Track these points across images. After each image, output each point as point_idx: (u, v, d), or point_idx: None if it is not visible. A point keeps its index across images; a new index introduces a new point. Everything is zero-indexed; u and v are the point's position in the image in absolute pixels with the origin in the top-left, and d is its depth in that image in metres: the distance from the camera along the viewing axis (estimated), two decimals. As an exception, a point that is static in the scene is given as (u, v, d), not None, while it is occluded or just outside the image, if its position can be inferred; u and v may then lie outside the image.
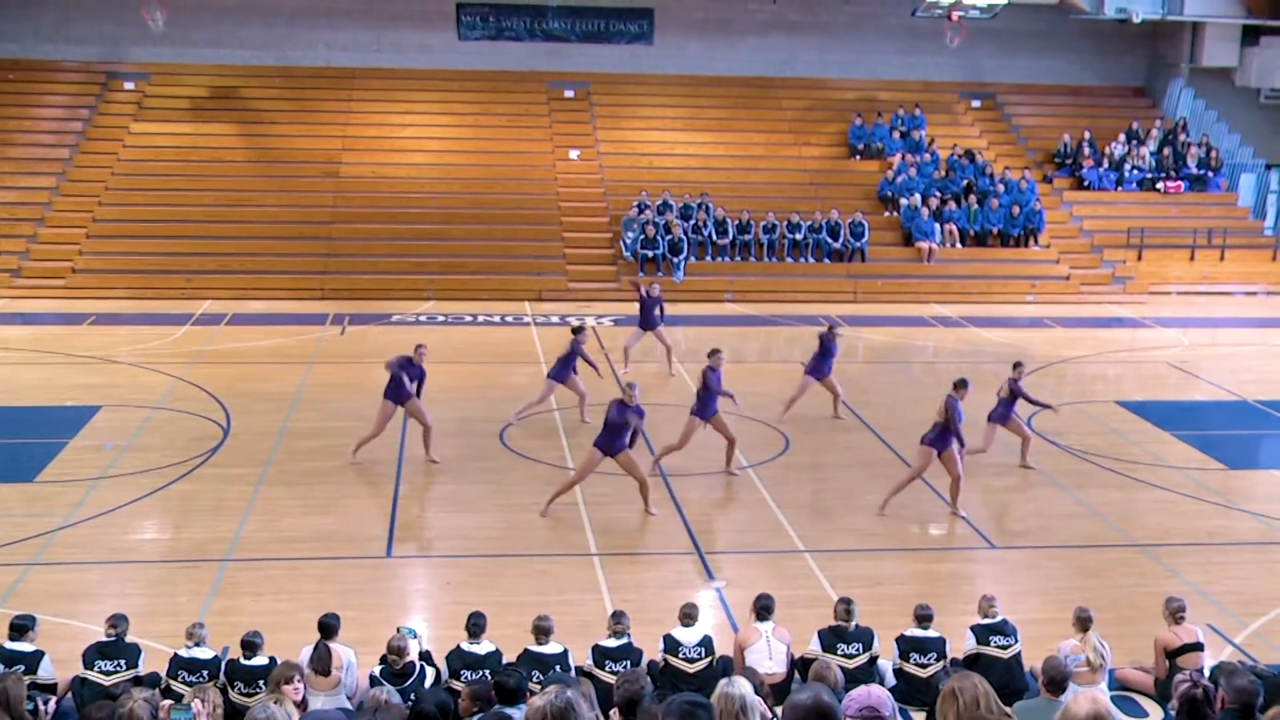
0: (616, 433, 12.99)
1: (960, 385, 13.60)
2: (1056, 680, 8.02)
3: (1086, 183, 31.21)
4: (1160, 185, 31.15)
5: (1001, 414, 15.08)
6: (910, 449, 15.11)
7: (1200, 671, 8.60)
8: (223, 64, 31.41)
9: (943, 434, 13.22)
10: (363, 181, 29.19)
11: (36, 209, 27.66)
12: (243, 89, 31.27)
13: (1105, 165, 31.37)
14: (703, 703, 5.16)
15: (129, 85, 30.95)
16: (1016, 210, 28.89)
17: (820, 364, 16.91)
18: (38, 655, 8.77)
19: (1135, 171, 31.28)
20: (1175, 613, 9.55)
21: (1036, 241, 29.13)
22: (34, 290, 25.50)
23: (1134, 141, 31.81)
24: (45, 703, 8.45)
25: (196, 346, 21.30)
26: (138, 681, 8.56)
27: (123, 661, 8.77)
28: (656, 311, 19.43)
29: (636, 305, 19.84)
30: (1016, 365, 15.33)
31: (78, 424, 16.21)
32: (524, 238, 28.23)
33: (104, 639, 8.90)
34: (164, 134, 29.96)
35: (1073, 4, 30.93)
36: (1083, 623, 9.24)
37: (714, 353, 14.91)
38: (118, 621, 8.96)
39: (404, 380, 14.71)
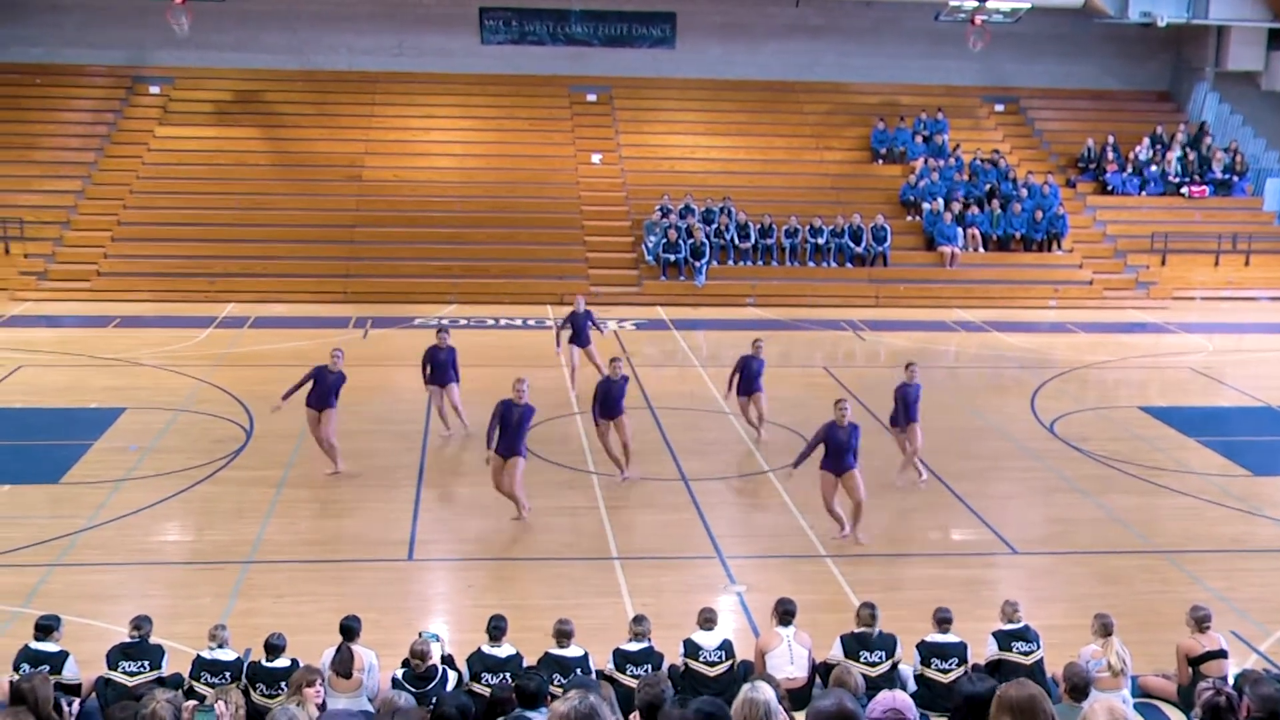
0: (514, 435, 12.76)
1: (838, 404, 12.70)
2: (1079, 686, 8.00)
3: (1110, 187, 31.05)
4: (1185, 190, 30.97)
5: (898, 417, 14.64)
6: (931, 454, 15.09)
7: (1224, 679, 8.56)
8: (246, 68, 31.61)
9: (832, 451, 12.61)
10: (385, 185, 29.29)
11: (62, 213, 27.87)
12: (266, 93, 31.45)
13: (1129, 170, 31.21)
14: (720, 706, 5.16)
15: (154, 89, 31.16)
16: (1039, 215, 28.78)
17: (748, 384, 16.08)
18: (62, 655, 8.82)
19: (1159, 174, 31.09)
20: (1200, 621, 9.45)
21: (1059, 246, 28.99)
22: (59, 293, 25.68)
23: (1158, 146, 31.62)
24: (69, 703, 8.52)
25: (220, 349, 21.42)
26: (161, 682, 8.60)
27: (146, 662, 8.82)
28: (589, 327, 18.53)
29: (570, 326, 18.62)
30: (908, 365, 14.76)
31: (102, 426, 16.33)
32: (546, 241, 28.29)
33: (128, 640, 8.96)
34: (188, 138, 30.16)
35: (1096, 8, 30.78)
36: (1104, 629, 9.19)
37: (614, 360, 14.64)
38: (141, 623, 9.01)
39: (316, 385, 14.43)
